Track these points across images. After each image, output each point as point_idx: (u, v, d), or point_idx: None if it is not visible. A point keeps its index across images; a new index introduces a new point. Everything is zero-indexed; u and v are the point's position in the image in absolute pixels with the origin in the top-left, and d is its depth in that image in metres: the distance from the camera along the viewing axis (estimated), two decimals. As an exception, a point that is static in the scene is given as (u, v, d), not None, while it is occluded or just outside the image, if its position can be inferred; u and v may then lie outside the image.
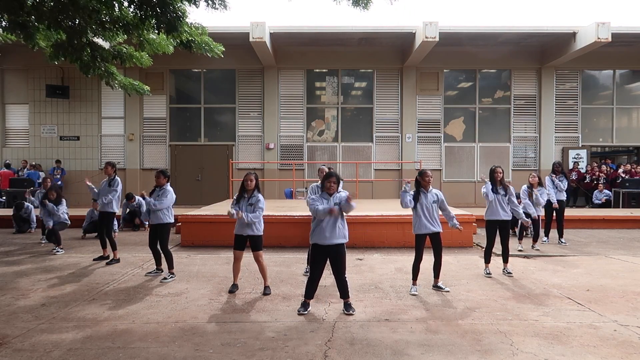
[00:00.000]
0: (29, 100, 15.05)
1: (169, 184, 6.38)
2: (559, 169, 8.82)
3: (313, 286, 4.74)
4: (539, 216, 8.26)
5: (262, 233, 5.48)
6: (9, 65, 14.93)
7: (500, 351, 3.72)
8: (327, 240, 4.59)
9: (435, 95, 14.98)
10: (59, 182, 14.26)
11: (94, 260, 7.17)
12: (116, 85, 9.20)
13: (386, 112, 15.02)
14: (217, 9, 6.69)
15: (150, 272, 6.33)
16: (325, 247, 4.62)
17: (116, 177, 7.23)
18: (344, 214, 4.68)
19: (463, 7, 43.74)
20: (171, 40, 7.83)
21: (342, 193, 4.79)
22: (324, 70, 15.20)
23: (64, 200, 8.50)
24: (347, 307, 4.69)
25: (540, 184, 8.33)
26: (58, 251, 7.88)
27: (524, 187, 8.47)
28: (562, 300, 5.14)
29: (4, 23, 7.16)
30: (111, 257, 7.12)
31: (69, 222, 8.59)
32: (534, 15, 43.02)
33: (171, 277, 6.03)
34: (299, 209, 9.07)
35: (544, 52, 14.58)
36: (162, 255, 6.22)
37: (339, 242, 4.64)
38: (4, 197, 13.63)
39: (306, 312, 4.62)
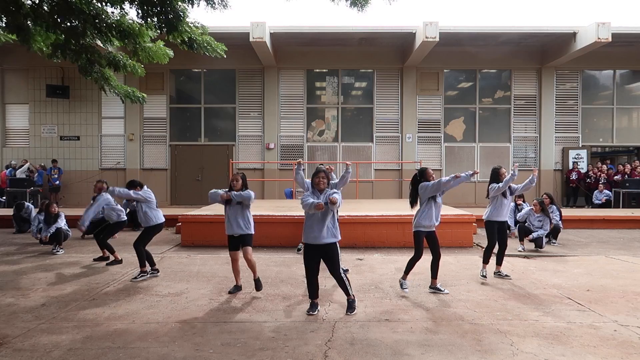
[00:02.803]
0: (29, 100, 15.05)
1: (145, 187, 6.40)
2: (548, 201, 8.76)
3: (313, 286, 4.72)
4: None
5: (253, 232, 5.44)
6: (9, 65, 14.93)
7: (500, 351, 3.72)
8: (317, 240, 4.55)
9: (436, 95, 14.97)
10: (57, 182, 14.25)
11: (94, 260, 7.17)
12: (110, 91, 9.10)
13: (386, 112, 15.02)
14: (217, 8, 6.67)
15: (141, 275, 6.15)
16: (315, 247, 4.59)
17: (102, 193, 7.18)
18: (332, 211, 4.59)
19: (463, 7, 43.74)
20: (171, 40, 7.80)
21: (333, 191, 4.73)
22: (324, 70, 15.20)
23: (62, 214, 8.57)
24: (348, 306, 4.69)
25: (543, 208, 8.28)
26: (58, 251, 7.88)
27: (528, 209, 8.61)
28: (562, 300, 5.14)
29: (2, 24, 7.16)
30: (111, 258, 7.11)
31: (70, 233, 8.71)
32: (534, 15, 43.04)
33: (141, 276, 6.01)
34: (298, 209, 9.04)
35: (544, 52, 14.58)
36: (138, 253, 6.13)
37: (330, 241, 4.58)
38: (4, 197, 13.64)
39: (316, 312, 4.60)
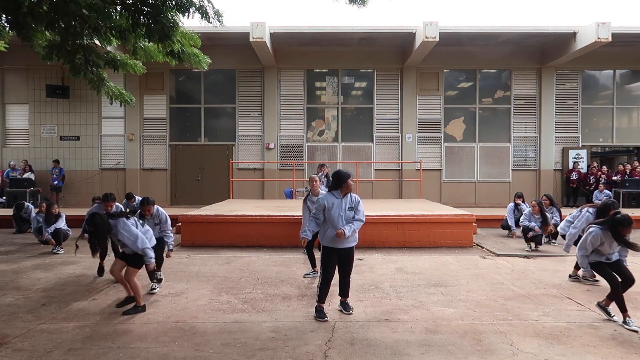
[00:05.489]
0: (29, 100, 15.04)
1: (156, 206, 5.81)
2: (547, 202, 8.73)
3: (327, 289, 4.62)
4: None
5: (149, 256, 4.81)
6: (9, 65, 14.92)
7: (500, 351, 3.72)
8: (340, 245, 4.57)
9: (436, 95, 14.97)
10: (56, 182, 14.23)
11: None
12: (103, 92, 9.08)
13: (386, 112, 15.01)
14: (211, 22, 6.66)
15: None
16: (336, 250, 4.60)
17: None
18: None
19: (463, 7, 43.75)
20: (161, 49, 7.78)
21: (358, 198, 4.77)
22: (324, 70, 15.19)
23: (62, 214, 8.58)
24: (346, 306, 4.71)
25: (541, 206, 8.31)
26: (59, 251, 7.88)
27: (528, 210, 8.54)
28: (562, 300, 5.15)
29: (3, 20, 7.15)
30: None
31: (70, 233, 8.72)
32: (534, 15, 43.05)
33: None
34: (299, 209, 9.06)
35: (544, 52, 14.58)
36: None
37: (351, 245, 4.65)
38: (4, 197, 13.63)
39: (327, 319, 4.45)
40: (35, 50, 7.91)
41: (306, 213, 6.18)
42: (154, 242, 5.13)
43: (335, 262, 4.64)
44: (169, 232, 5.75)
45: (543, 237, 8.12)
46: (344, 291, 4.76)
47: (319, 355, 3.64)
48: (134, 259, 4.78)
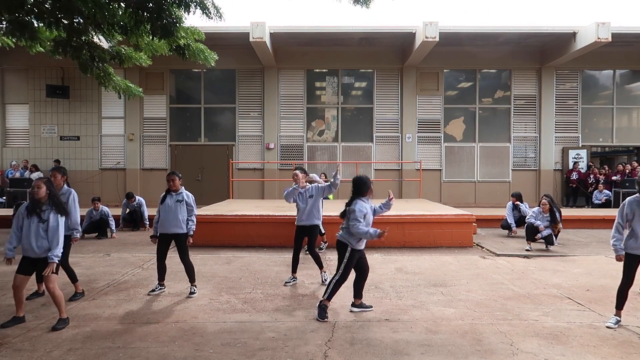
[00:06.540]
0: (29, 100, 15.04)
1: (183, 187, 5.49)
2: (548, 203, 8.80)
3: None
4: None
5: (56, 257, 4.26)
6: (9, 65, 14.92)
7: (500, 351, 3.72)
8: (362, 246, 4.92)
9: (435, 95, 14.97)
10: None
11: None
12: (110, 87, 9.11)
13: (386, 112, 15.02)
14: (212, 18, 6.68)
15: (154, 290, 5.43)
16: (360, 251, 4.91)
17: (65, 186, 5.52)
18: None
19: (463, 7, 43.74)
20: (166, 45, 7.82)
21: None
22: (324, 70, 15.20)
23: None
24: (364, 305, 4.82)
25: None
26: (58, 251, 7.85)
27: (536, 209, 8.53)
28: (562, 300, 5.15)
29: (4, 23, 7.16)
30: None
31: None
32: (534, 15, 43.03)
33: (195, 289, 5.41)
34: (299, 209, 9.08)
35: (544, 52, 14.58)
36: (185, 268, 5.41)
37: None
38: (4, 197, 13.63)
39: (327, 319, 4.45)
40: (41, 45, 7.96)
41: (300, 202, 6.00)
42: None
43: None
44: (194, 211, 5.45)
45: (554, 237, 8.11)
46: (361, 292, 4.89)
47: (319, 355, 3.64)
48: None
